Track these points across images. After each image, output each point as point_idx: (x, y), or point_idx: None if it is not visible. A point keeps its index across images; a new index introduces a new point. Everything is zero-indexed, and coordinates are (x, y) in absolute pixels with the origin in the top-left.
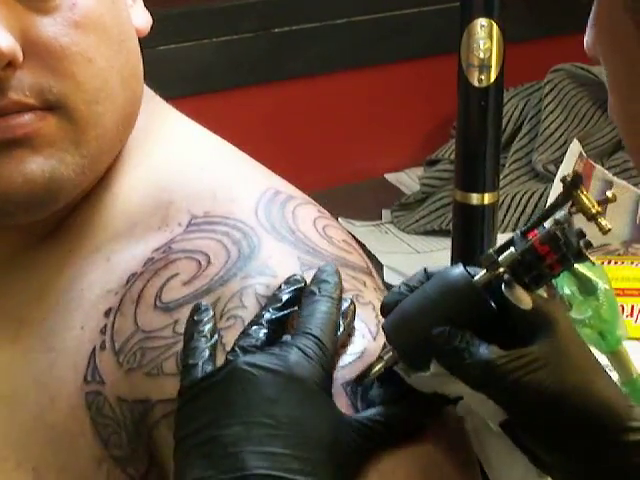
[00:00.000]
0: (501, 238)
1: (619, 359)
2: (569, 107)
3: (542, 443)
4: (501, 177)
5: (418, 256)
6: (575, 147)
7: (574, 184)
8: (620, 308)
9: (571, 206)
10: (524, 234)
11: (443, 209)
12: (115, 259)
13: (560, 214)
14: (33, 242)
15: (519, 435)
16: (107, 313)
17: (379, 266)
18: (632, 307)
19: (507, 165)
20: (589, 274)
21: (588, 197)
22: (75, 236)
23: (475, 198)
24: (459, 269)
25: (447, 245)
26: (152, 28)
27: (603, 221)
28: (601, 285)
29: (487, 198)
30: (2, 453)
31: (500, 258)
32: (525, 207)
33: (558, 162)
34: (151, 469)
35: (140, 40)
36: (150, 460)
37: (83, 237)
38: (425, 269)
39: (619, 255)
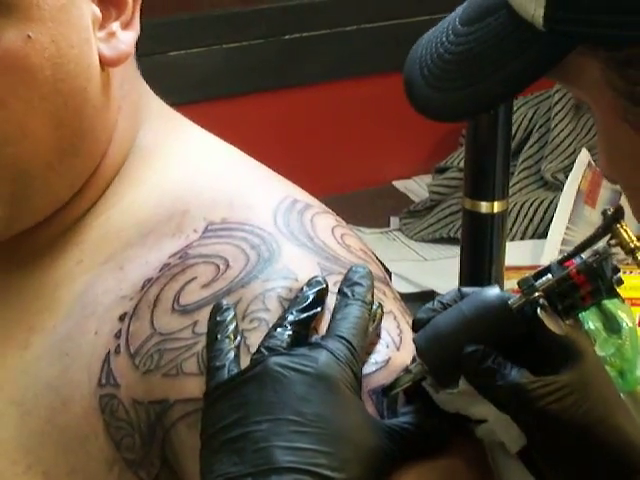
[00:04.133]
0: (510, 246)
1: (636, 399)
2: (578, 116)
3: (559, 471)
4: (510, 185)
5: (426, 264)
6: (584, 156)
7: (615, 218)
8: None
9: (610, 239)
10: (561, 262)
11: (451, 217)
12: (128, 267)
13: (599, 246)
14: (37, 252)
15: (536, 462)
16: (122, 318)
17: (387, 273)
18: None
19: (516, 173)
20: (616, 311)
21: (628, 232)
22: (83, 249)
23: (484, 206)
24: (495, 290)
25: (455, 253)
26: (163, 34)
27: None
28: (626, 324)
29: (496, 206)
30: (12, 456)
31: (537, 283)
32: (534, 216)
33: (567, 171)
34: (162, 472)
35: (151, 46)
36: (162, 463)
37: (92, 249)
38: (459, 288)
39: (627, 264)
